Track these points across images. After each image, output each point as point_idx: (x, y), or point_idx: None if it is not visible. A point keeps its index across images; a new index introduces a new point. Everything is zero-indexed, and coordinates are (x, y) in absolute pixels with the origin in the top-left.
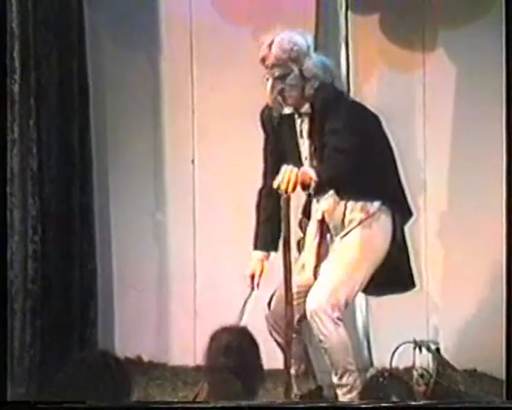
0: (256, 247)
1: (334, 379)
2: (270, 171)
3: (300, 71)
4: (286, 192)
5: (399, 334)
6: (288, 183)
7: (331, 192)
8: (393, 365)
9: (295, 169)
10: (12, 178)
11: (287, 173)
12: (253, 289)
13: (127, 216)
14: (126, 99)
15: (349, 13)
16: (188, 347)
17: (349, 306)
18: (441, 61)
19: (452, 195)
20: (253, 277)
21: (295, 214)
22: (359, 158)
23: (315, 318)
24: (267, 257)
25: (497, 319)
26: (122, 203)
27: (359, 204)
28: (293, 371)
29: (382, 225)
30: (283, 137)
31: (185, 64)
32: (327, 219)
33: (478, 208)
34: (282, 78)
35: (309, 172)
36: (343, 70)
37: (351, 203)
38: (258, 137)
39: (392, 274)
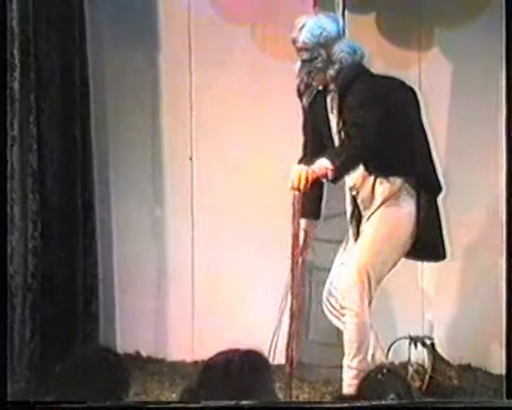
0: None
1: (347, 360)
2: (308, 144)
3: (328, 55)
4: (299, 191)
5: (395, 329)
6: (300, 181)
7: (360, 167)
8: (389, 360)
9: (305, 167)
10: (12, 175)
11: (297, 173)
12: (294, 255)
13: (127, 212)
14: (126, 97)
15: (346, 12)
16: (186, 342)
17: (379, 286)
18: (437, 60)
19: (448, 192)
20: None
21: None
22: (380, 132)
23: (347, 293)
24: (310, 226)
25: (492, 314)
26: (122, 200)
27: (386, 179)
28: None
29: (407, 202)
30: (317, 113)
31: (184, 62)
32: (356, 193)
33: (474, 206)
34: (309, 61)
35: (323, 163)
36: None
37: (379, 179)
38: (256, 134)
39: (423, 245)
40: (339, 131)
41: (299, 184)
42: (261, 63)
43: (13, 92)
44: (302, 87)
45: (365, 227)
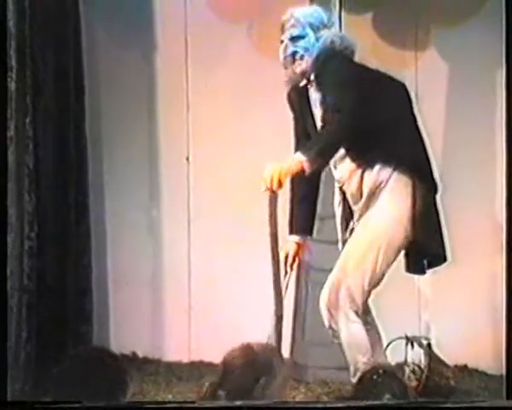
0: (291, 231)
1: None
2: (299, 143)
3: (316, 39)
4: (273, 191)
5: (391, 330)
6: (272, 181)
7: (346, 159)
8: (385, 361)
9: (278, 166)
10: (8, 175)
11: (269, 173)
12: (286, 272)
13: (122, 212)
14: (121, 97)
15: (342, 12)
16: (182, 343)
17: (365, 298)
18: (433, 60)
19: (443, 193)
20: (286, 258)
21: None
22: (362, 117)
23: (326, 311)
24: (303, 242)
25: (488, 314)
26: (117, 200)
27: (372, 171)
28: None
29: (400, 196)
30: (303, 111)
31: (180, 62)
32: (344, 187)
33: (471, 205)
34: (296, 39)
35: (297, 157)
36: None
37: (367, 171)
38: (252, 133)
39: (423, 249)
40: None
41: (272, 184)
42: (257, 62)
43: (9, 93)
44: (295, 90)
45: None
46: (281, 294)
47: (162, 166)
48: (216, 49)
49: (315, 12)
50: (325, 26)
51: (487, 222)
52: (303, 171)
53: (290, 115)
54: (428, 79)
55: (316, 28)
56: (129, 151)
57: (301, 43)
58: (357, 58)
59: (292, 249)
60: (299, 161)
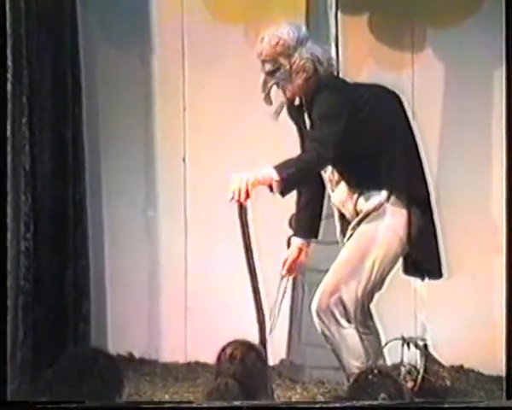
0: (295, 233)
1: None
2: None
3: (290, 64)
4: (240, 203)
5: (388, 331)
6: (240, 193)
7: (342, 183)
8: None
9: (245, 176)
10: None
11: (235, 185)
12: (283, 275)
13: (119, 213)
14: (118, 97)
15: (339, 13)
16: (179, 344)
17: (359, 305)
18: (430, 61)
19: (440, 193)
20: (284, 262)
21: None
22: (345, 146)
23: (316, 317)
24: (306, 245)
25: (484, 315)
26: (114, 200)
27: (367, 195)
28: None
29: (394, 218)
30: (301, 126)
31: (177, 62)
32: (342, 210)
33: (466, 207)
34: (272, 73)
35: (269, 172)
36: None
37: (362, 196)
38: (249, 134)
39: (415, 263)
40: None
41: (239, 196)
42: (254, 62)
43: (5, 93)
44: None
45: (345, 245)
46: (261, 305)
47: (159, 166)
48: (213, 50)
49: (281, 39)
50: (297, 46)
51: (484, 223)
52: (270, 187)
53: (287, 117)
54: (425, 80)
55: (287, 55)
56: (126, 152)
57: (278, 75)
58: (353, 60)
59: (292, 255)
60: (270, 177)
